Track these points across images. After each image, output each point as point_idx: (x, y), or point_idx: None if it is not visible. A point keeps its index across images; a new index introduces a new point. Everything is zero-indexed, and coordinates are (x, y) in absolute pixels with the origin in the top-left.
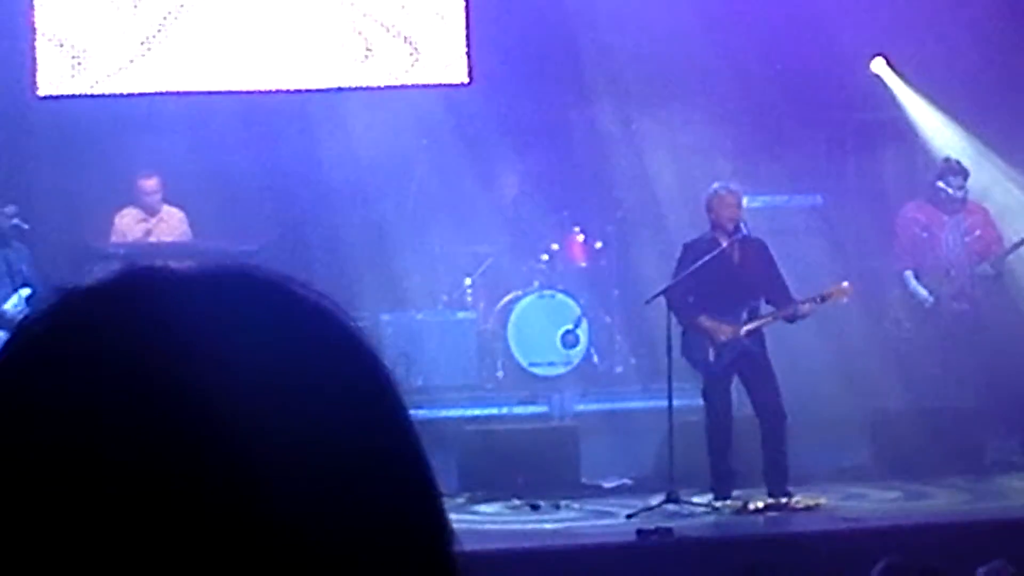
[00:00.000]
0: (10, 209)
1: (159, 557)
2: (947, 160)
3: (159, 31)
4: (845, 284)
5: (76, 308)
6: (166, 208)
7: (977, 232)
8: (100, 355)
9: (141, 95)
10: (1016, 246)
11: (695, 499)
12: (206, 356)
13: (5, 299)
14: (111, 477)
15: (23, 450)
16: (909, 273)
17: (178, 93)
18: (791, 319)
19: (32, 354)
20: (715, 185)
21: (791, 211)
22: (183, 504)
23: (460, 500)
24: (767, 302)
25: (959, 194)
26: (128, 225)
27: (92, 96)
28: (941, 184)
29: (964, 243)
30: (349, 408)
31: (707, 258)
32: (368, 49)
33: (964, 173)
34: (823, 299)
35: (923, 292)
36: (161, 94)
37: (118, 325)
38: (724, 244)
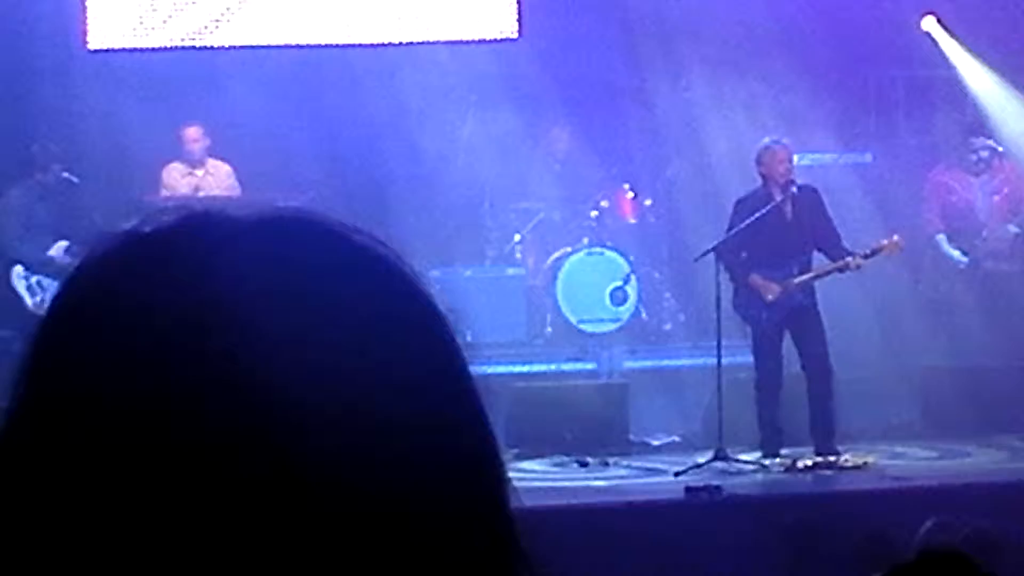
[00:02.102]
0: (56, 168)
1: (208, 499)
2: (972, 125)
3: None
4: (896, 238)
5: (136, 251)
6: (212, 161)
7: (1005, 190)
8: (157, 298)
9: (192, 49)
10: None
11: (743, 457)
12: (264, 299)
13: (48, 249)
14: (164, 418)
15: (76, 389)
16: (941, 237)
17: (228, 48)
18: (842, 271)
19: (91, 294)
20: (766, 140)
21: (840, 169)
22: (236, 452)
23: (508, 457)
24: (820, 251)
25: (984, 155)
26: (175, 179)
27: (142, 50)
28: (969, 150)
29: (993, 202)
30: (408, 353)
31: (759, 213)
32: (419, 4)
33: (987, 134)
34: (873, 253)
35: (956, 254)
36: (211, 49)
37: (176, 269)
38: (777, 199)
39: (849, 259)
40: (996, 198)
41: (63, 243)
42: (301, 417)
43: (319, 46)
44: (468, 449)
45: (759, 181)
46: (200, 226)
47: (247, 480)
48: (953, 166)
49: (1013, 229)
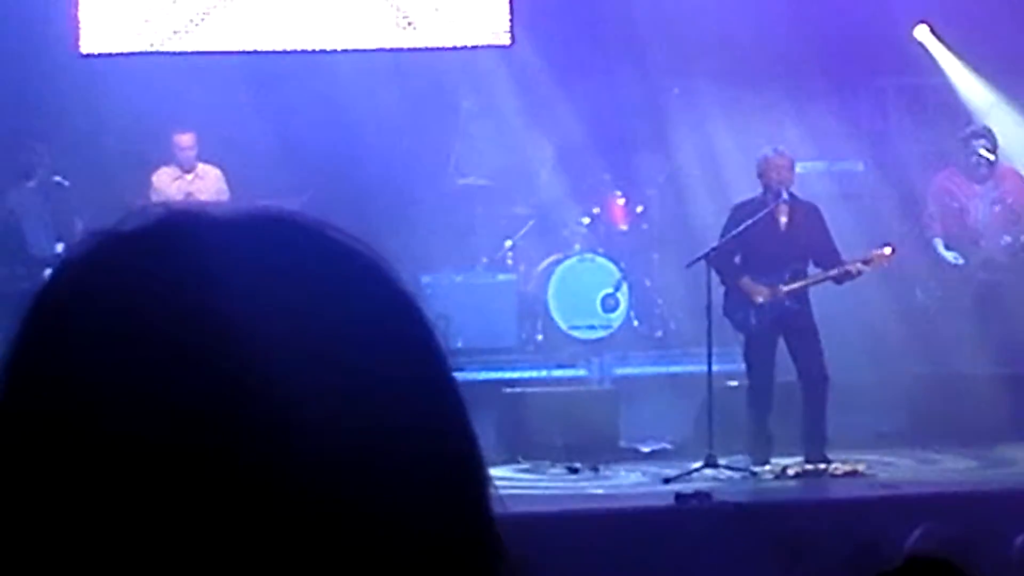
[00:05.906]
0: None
1: (185, 502)
2: (974, 128)
3: None
4: (888, 250)
5: (115, 250)
6: (202, 166)
7: (1009, 200)
8: (136, 297)
9: (183, 54)
10: None
11: (733, 464)
12: (243, 298)
13: (49, 246)
14: (143, 420)
15: (56, 389)
16: (938, 240)
17: (219, 53)
18: (839, 280)
19: (70, 293)
20: (765, 148)
21: (832, 177)
22: (213, 451)
23: (499, 463)
24: (815, 264)
25: (989, 160)
26: (165, 183)
27: (134, 54)
28: (970, 152)
29: (994, 212)
30: (389, 355)
31: (751, 220)
32: (412, 10)
33: (993, 139)
34: (866, 263)
35: (951, 256)
36: (203, 53)
37: (155, 267)
38: (771, 206)
39: (851, 267)
40: (997, 208)
41: (60, 245)
42: (283, 417)
43: (311, 52)
44: (449, 451)
45: (760, 189)
46: (180, 225)
47: (228, 482)
48: (958, 172)
49: (1007, 239)
